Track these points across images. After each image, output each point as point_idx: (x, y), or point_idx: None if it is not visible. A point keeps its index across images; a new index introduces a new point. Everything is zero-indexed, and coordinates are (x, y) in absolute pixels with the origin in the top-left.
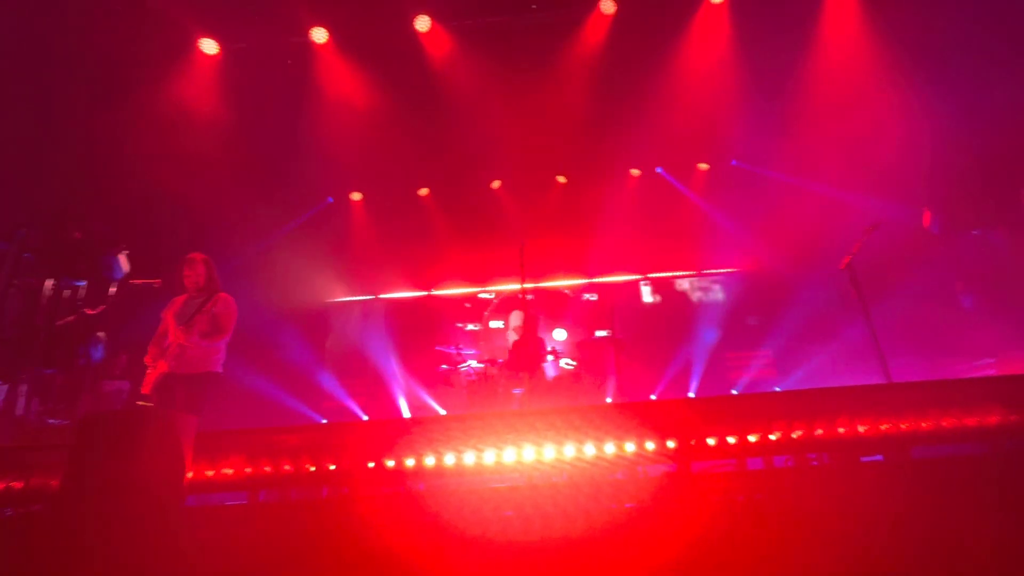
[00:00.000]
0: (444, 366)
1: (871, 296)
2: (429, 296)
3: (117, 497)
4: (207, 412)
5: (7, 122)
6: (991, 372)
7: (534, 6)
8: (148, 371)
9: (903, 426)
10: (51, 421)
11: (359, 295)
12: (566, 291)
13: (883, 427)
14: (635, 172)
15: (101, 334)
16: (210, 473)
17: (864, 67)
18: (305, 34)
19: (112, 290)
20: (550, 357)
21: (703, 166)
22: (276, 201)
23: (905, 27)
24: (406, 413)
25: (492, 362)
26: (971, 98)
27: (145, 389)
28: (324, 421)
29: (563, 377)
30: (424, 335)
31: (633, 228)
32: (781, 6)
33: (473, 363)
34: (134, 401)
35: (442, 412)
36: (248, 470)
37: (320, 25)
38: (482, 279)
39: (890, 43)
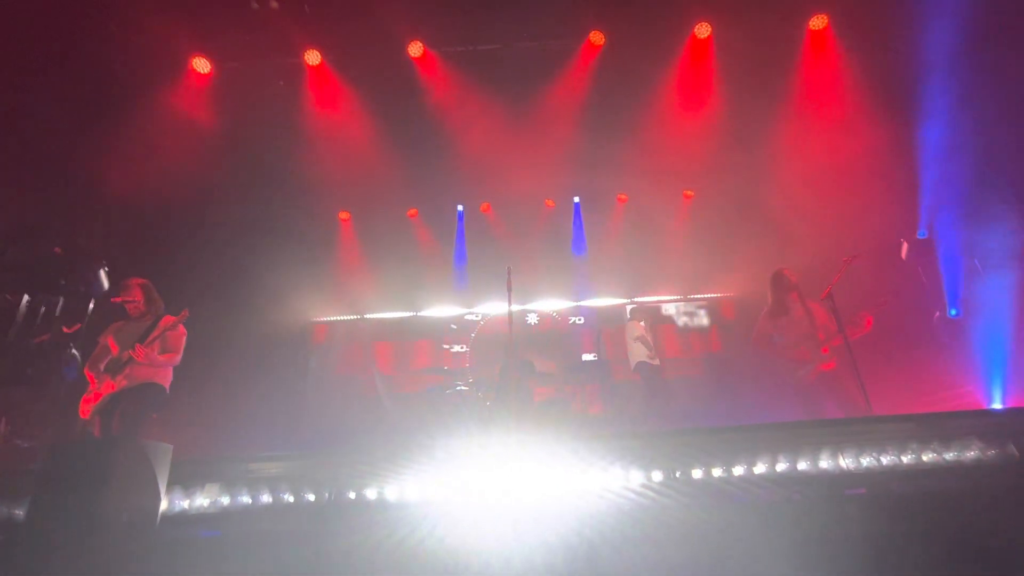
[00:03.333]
0: (430, 388)
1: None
2: (415, 317)
3: (85, 528)
4: (155, 428)
5: None
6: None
7: (526, 35)
8: (87, 395)
9: (884, 460)
10: (20, 443)
11: (345, 315)
12: (553, 314)
13: (865, 461)
14: (622, 197)
15: (75, 353)
16: (184, 504)
17: (844, 101)
18: (298, 55)
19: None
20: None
21: (688, 192)
22: (263, 219)
23: (883, 63)
24: (390, 439)
25: (477, 385)
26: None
27: (84, 414)
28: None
29: (549, 402)
30: (410, 357)
31: (621, 253)
32: (762, 42)
33: (459, 386)
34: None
35: (426, 437)
36: (225, 500)
37: (313, 48)
38: (469, 301)
39: (869, 78)
